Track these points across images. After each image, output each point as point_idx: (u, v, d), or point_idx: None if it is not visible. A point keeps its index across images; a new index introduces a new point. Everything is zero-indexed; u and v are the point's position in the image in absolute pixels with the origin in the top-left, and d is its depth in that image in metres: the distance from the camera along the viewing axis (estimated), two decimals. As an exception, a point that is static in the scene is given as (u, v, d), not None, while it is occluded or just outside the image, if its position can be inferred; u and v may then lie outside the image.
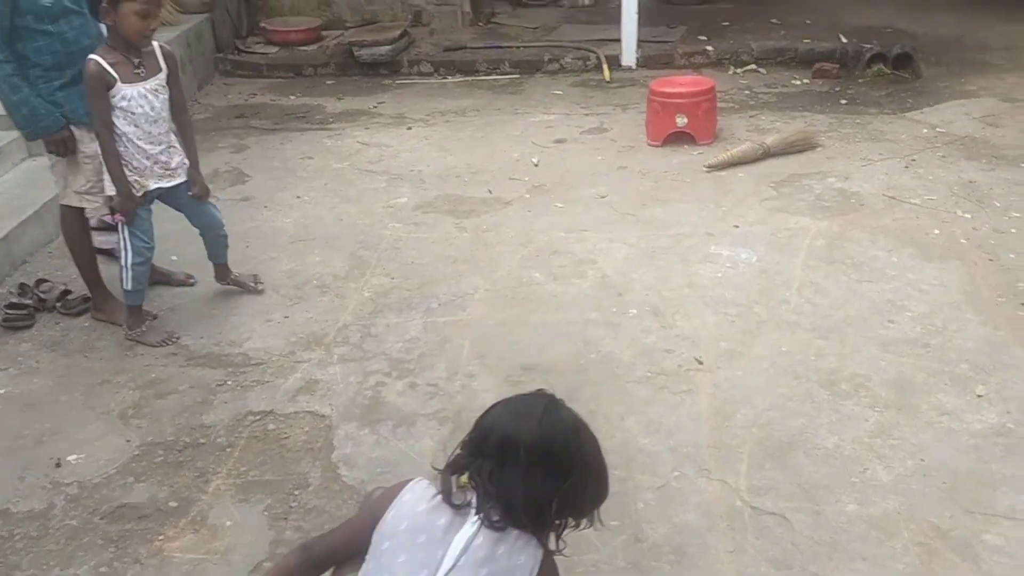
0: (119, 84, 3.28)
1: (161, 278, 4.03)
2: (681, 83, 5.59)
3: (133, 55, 3.30)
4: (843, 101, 6.33)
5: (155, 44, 3.40)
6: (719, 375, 3.25)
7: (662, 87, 5.54)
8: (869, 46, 7.06)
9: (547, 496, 1.62)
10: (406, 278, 4.08)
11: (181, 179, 3.58)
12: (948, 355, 3.26)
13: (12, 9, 3.30)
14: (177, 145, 3.55)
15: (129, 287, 3.56)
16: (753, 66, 7.25)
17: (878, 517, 2.55)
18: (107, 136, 3.33)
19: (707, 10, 8.64)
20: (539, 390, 1.79)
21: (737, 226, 4.39)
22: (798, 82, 6.85)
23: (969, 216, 4.27)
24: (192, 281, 4.08)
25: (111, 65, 3.27)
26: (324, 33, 8.20)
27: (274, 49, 8.01)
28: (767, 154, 5.17)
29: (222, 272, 3.96)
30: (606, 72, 7.24)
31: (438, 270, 4.13)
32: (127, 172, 3.42)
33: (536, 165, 5.36)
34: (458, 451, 1.74)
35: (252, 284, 4.00)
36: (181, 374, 3.41)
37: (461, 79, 7.41)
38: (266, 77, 7.70)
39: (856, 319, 3.53)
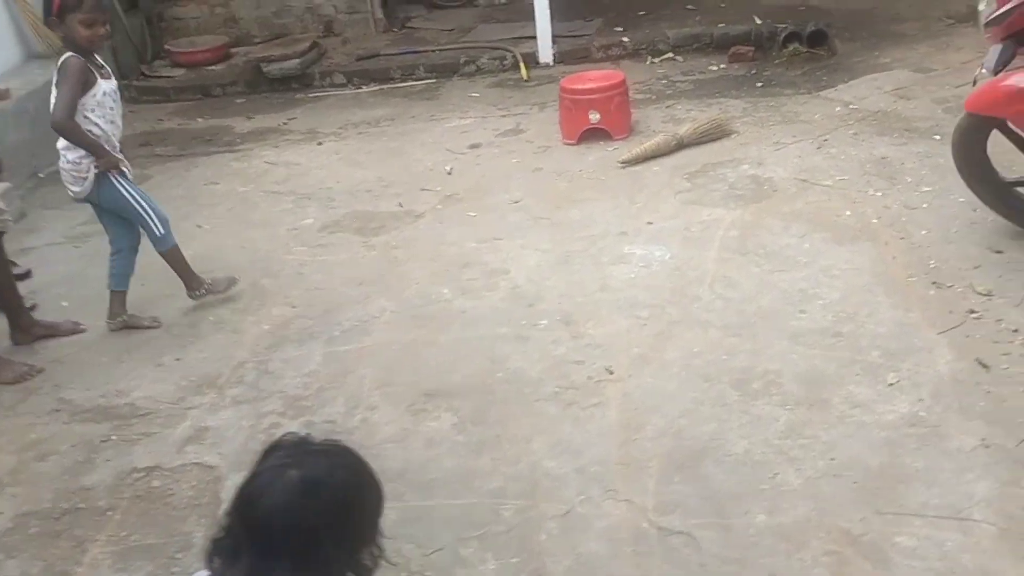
0: (99, 80, 3.45)
1: (46, 331, 3.81)
2: (591, 78, 5.47)
3: (94, 54, 3.48)
4: (759, 84, 6.27)
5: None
6: (630, 384, 3.12)
7: (572, 84, 5.41)
8: (783, 26, 7.00)
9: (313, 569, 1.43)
10: (309, 305, 3.90)
11: None
12: (859, 343, 3.17)
13: None
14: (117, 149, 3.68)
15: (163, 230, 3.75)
16: (670, 54, 7.17)
17: (788, 526, 2.44)
18: (66, 118, 3.41)
19: (623, 0, 8.55)
20: (287, 434, 1.59)
21: (651, 223, 4.28)
22: (715, 68, 6.77)
23: (880, 194, 4.20)
24: (81, 328, 3.86)
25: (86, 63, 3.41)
26: (232, 51, 7.96)
27: (181, 71, 7.75)
28: (681, 145, 5.07)
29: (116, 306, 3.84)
30: (524, 71, 7.10)
31: (343, 294, 3.96)
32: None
33: (450, 173, 5.21)
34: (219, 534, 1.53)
35: (148, 323, 3.86)
36: (64, 432, 3.20)
37: (376, 88, 7.23)
38: (174, 101, 7.45)
39: (768, 312, 3.43)
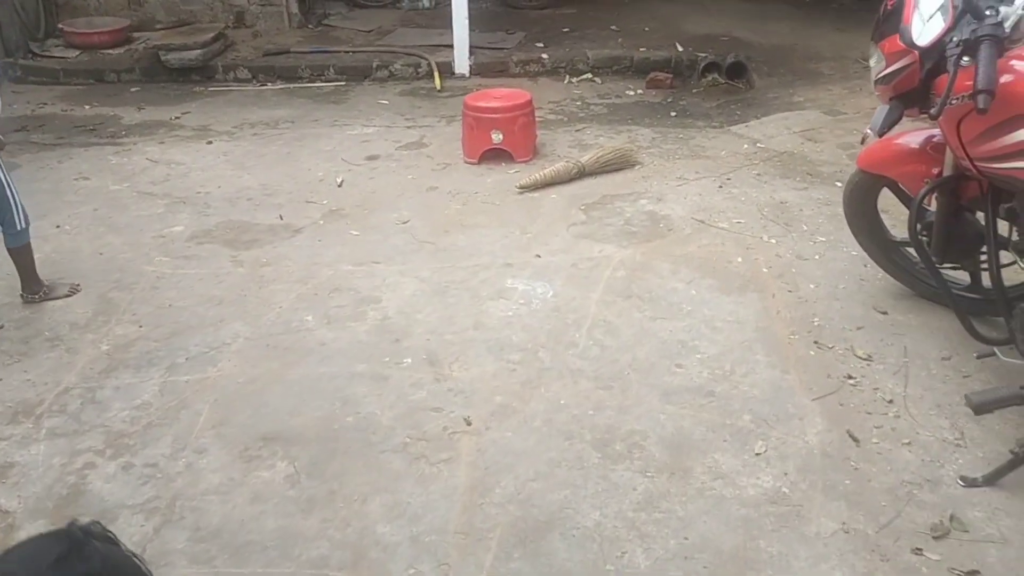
0: None
1: None
2: (497, 96, 5.24)
3: None
4: (673, 113, 6.15)
5: None
6: (486, 438, 2.89)
7: (476, 101, 5.18)
8: (704, 55, 6.93)
9: None
10: (157, 326, 3.57)
11: None
12: (732, 405, 3.00)
13: None
14: None
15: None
16: (589, 75, 7.02)
17: (627, 616, 2.24)
18: None
19: (550, 15, 8.39)
20: (69, 525, 1.32)
21: (539, 255, 4.06)
22: (632, 92, 6.65)
23: (775, 241, 4.08)
24: None
25: None
26: (134, 35, 7.52)
27: (75, 53, 7.27)
28: (583, 173, 4.88)
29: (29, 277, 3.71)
30: (437, 81, 6.86)
31: (196, 315, 3.64)
32: None
33: (340, 186, 4.92)
34: None
35: (66, 291, 3.77)
36: None
37: (282, 86, 6.90)
38: (63, 84, 6.98)
39: (643, 364, 3.24)
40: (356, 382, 3.18)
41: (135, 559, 1.34)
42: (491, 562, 2.40)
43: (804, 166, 4.94)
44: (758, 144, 5.31)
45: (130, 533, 2.51)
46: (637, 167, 5.04)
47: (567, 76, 7.03)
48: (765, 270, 3.84)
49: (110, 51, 7.29)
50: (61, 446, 2.88)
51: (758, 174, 4.86)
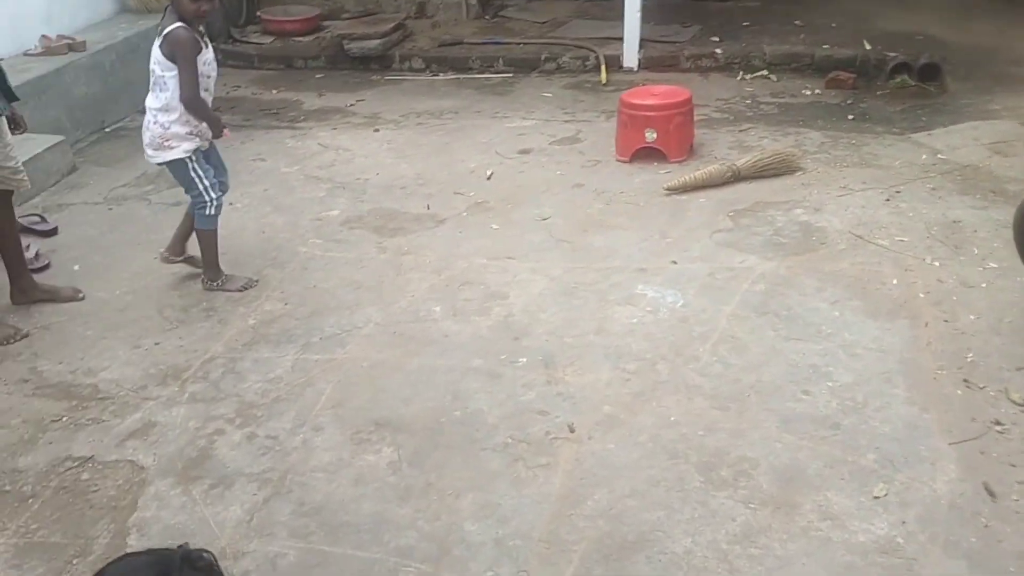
0: (203, 49, 3.57)
1: (46, 295, 3.83)
2: (654, 93, 5.12)
3: (197, 27, 3.56)
4: (850, 116, 5.76)
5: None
6: (587, 447, 2.85)
7: (632, 98, 5.09)
8: (894, 54, 6.43)
9: None
10: (300, 304, 3.78)
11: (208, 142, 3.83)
12: (857, 440, 2.79)
13: None
14: None
15: (212, 211, 3.79)
16: (764, 72, 6.71)
17: (700, 653, 2.14)
18: (197, 95, 3.56)
19: (731, 8, 8.08)
20: (178, 547, 1.41)
21: (675, 262, 3.95)
22: (808, 92, 6.29)
23: (938, 264, 3.74)
24: (80, 296, 3.87)
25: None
26: (324, 23, 7.95)
27: (269, 39, 7.79)
28: (737, 177, 4.68)
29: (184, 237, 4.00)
30: (603, 74, 6.79)
31: (336, 297, 3.82)
32: (190, 138, 3.66)
33: (489, 179, 4.99)
34: None
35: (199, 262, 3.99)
36: (22, 405, 3.19)
37: (452, 76, 7.07)
38: (256, 68, 7.50)
39: (767, 387, 3.07)
40: (470, 377, 3.23)
41: None
42: (570, 575, 2.37)
43: (988, 182, 4.48)
44: (939, 155, 4.87)
45: (242, 500, 2.69)
46: (798, 173, 4.77)
47: (740, 72, 6.75)
48: (922, 295, 3.53)
49: (301, 38, 7.75)
50: (198, 411, 3.12)
51: (933, 188, 4.46)
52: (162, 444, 2.97)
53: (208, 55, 3.62)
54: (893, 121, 5.62)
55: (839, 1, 7.89)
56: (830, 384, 3.07)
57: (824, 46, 6.83)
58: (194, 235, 3.91)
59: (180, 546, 1.43)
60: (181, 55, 3.49)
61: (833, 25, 7.34)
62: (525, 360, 3.31)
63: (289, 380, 3.27)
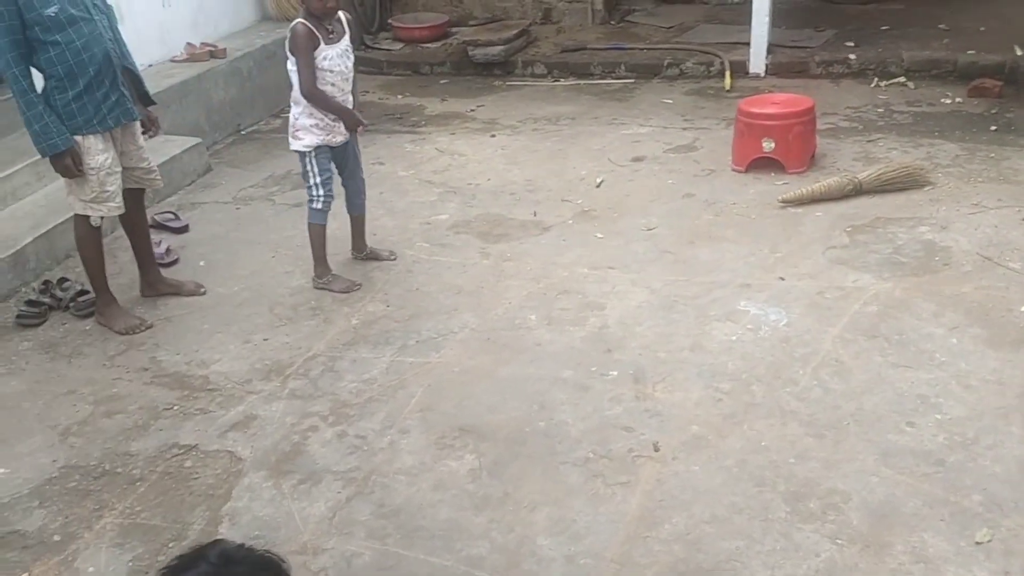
0: (322, 45, 3.70)
1: (170, 289, 4.08)
2: (774, 101, 4.95)
3: (325, 23, 3.71)
4: (992, 127, 5.38)
5: (340, 13, 3.80)
6: (670, 468, 2.78)
7: (751, 106, 4.93)
8: (1049, 59, 5.96)
9: None
10: (401, 307, 3.88)
11: (347, 138, 3.98)
12: (962, 480, 2.59)
13: (22, 24, 3.39)
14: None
15: (319, 206, 3.98)
16: (901, 79, 6.37)
17: None
18: (314, 86, 3.72)
19: (871, 11, 7.71)
20: (219, 542, 1.45)
21: (783, 278, 3.80)
22: (948, 100, 5.92)
23: (1076, 293, 3.43)
24: (202, 291, 4.11)
25: (313, 28, 3.66)
26: (451, 30, 8.11)
27: (399, 45, 8.02)
28: (858, 191, 4.46)
29: (358, 235, 4.28)
30: (727, 80, 6.63)
31: (436, 301, 3.90)
32: (315, 131, 3.83)
33: (598, 186, 4.96)
34: None
35: (387, 255, 4.28)
36: (139, 392, 3.42)
37: (573, 82, 7.08)
38: (385, 74, 7.73)
39: (868, 416, 2.91)
40: (558, 388, 3.22)
41: None
42: (638, 599, 2.32)
43: None
44: (1090, 171, 4.47)
45: (327, 498, 2.79)
46: (927, 188, 4.49)
47: (875, 79, 6.43)
48: (1053, 325, 3.25)
49: (428, 45, 7.94)
50: (296, 407, 3.26)
51: (1079, 208, 4.10)
52: (260, 437, 3.11)
53: (330, 51, 3.73)
54: (1042, 133, 5.21)
55: (991, 4, 7.38)
56: (938, 417, 2.87)
57: (969, 51, 6.42)
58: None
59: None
60: (295, 48, 3.69)
61: (981, 29, 6.87)
62: (616, 374, 3.27)
63: (383, 381, 3.36)
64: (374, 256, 4.30)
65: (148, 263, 4.07)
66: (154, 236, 4.38)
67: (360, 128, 4.01)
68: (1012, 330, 3.26)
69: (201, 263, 4.43)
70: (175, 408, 3.31)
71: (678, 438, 2.90)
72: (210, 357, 3.61)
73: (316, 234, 4.07)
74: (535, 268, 4.11)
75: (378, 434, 3.07)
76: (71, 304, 4.00)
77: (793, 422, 2.93)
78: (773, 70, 6.71)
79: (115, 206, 3.69)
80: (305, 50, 3.67)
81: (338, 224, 4.30)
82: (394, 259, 4.28)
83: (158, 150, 4.78)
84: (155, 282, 4.08)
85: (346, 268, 4.23)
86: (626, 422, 3.01)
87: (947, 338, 3.26)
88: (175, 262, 4.43)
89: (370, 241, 4.45)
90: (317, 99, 3.76)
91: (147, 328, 3.84)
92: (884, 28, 7.21)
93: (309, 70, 3.70)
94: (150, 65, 6.05)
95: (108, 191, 3.65)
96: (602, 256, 4.16)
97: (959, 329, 3.30)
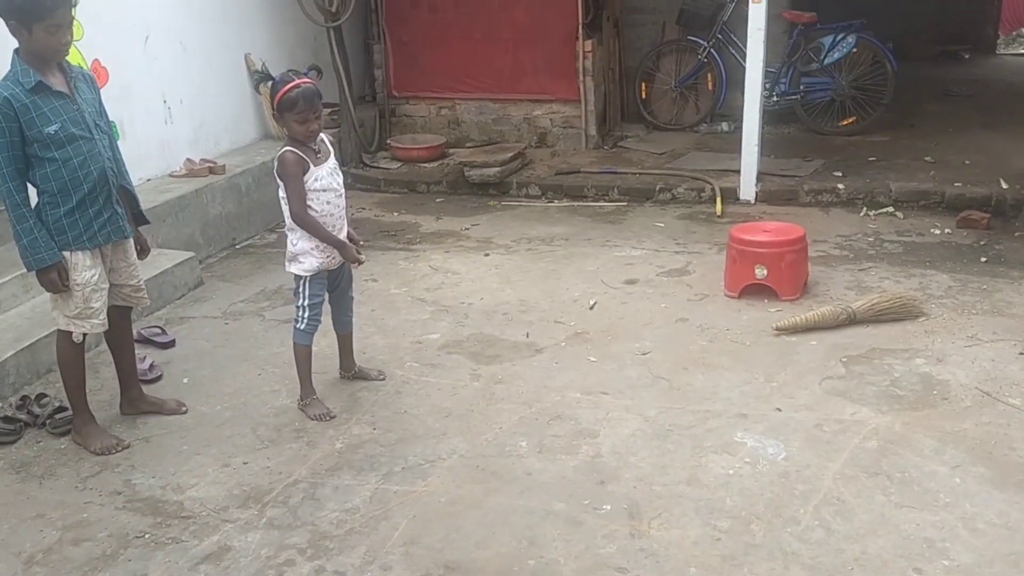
0: (312, 167, 3.72)
1: (151, 407, 3.97)
2: (766, 229, 5.00)
3: (311, 145, 3.75)
4: (983, 259, 5.43)
5: (322, 136, 3.81)
6: (667, 614, 2.63)
7: (743, 233, 4.97)
8: (1033, 193, 6.09)
9: None
10: (388, 430, 3.77)
11: (341, 262, 3.98)
12: (977, 636, 2.45)
13: (22, 139, 3.41)
14: (345, 230, 3.92)
15: (303, 327, 3.92)
16: (890, 209, 6.48)
17: None
18: (303, 212, 3.73)
19: (857, 142, 7.93)
20: None
21: (780, 409, 3.72)
22: (937, 231, 6.00)
23: (1080, 431, 3.36)
24: (183, 410, 4.00)
25: (301, 153, 3.70)
26: (449, 151, 8.29)
27: (397, 164, 8.17)
28: (852, 320, 4.44)
29: (346, 353, 4.22)
30: (718, 206, 6.72)
31: (425, 425, 3.79)
32: (317, 255, 3.83)
33: (591, 308, 4.94)
34: None
35: (375, 375, 4.21)
36: (110, 518, 3.26)
37: (567, 204, 7.18)
38: (382, 192, 7.84)
39: (874, 560, 2.78)
40: (549, 522, 3.08)
41: None
42: None
43: None
44: (1084, 305, 4.48)
45: (300, 640, 2.61)
46: (921, 319, 4.47)
47: (864, 208, 6.54)
48: (1059, 466, 3.16)
49: (426, 164, 8.09)
50: (273, 538, 3.10)
51: (1075, 342, 4.08)
52: (233, 571, 2.94)
53: (320, 171, 3.73)
54: (1032, 265, 5.25)
55: (975, 138, 7.63)
56: (946, 563, 2.74)
57: (956, 184, 6.56)
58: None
59: None
60: (284, 174, 3.71)
61: (966, 162, 7.06)
62: (609, 507, 3.14)
63: (366, 511, 3.22)
64: (362, 376, 4.22)
65: (131, 381, 3.98)
66: (139, 351, 4.30)
67: (356, 264, 3.98)
68: (1016, 470, 3.16)
69: (185, 380, 4.33)
70: (146, 536, 3.14)
71: (674, 581, 2.76)
72: (186, 481, 3.47)
73: (301, 354, 4.00)
74: (527, 391, 4.02)
75: (358, 570, 2.91)
76: (47, 421, 3.88)
77: (795, 565, 2.79)
78: (763, 197, 6.83)
79: (98, 323, 3.63)
80: (294, 176, 3.69)
81: (328, 341, 4.24)
82: (383, 379, 4.20)
83: (150, 263, 4.75)
84: (136, 400, 3.98)
85: (334, 387, 4.14)
86: (620, 562, 2.86)
87: (951, 477, 3.16)
88: (159, 378, 4.34)
89: (360, 360, 4.37)
90: (307, 224, 3.75)
91: (124, 448, 3.71)
92: (871, 159, 7.40)
93: (298, 196, 3.71)
94: (149, 180, 6.13)
95: (93, 308, 3.60)
96: (595, 380, 4.09)
97: (962, 468, 3.21)
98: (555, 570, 2.84)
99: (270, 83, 3.79)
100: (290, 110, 3.62)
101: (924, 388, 3.80)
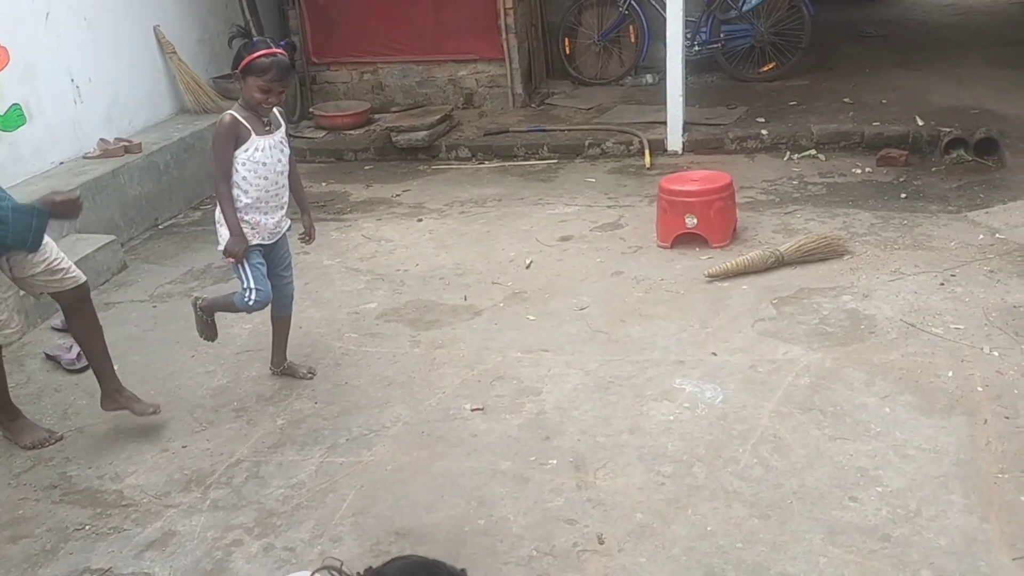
0: (254, 136, 3.53)
1: (127, 403, 3.64)
2: (693, 179, 5.05)
3: (261, 115, 3.56)
4: (902, 195, 5.58)
5: (276, 109, 3.63)
6: (617, 561, 2.68)
7: (672, 184, 5.01)
8: (948, 130, 6.26)
9: None
10: (329, 403, 3.73)
11: (279, 238, 3.85)
12: (910, 554, 2.56)
13: None
14: (284, 207, 3.78)
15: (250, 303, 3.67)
16: (812, 152, 6.59)
17: None
18: (221, 180, 3.54)
19: (778, 88, 8.03)
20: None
21: (715, 354, 3.80)
22: (859, 171, 6.13)
23: (997, 354, 3.51)
24: (150, 411, 3.66)
25: (244, 119, 3.50)
26: (374, 117, 8.14)
27: (322, 133, 8.00)
28: (780, 262, 4.53)
29: (279, 344, 4.02)
30: (647, 158, 6.76)
31: (367, 395, 3.76)
32: (245, 228, 3.60)
33: (528, 267, 4.94)
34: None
35: (304, 372, 3.99)
36: (47, 512, 3.17)
37: (497, 164, 7.13)
38: (308, 162, 7.65)
39: (812, 492, 2.87)
40: (497, 481, 3.10)
41: None
42: None
43: (1052, 262, 4.25)
44: (997, 234, 4.66)
45: (253, 618, 2.59)
46: (846, 257, 4.59)
47: (788, 153, 6.64)
48: (980, 389, 3.30)
49: (351, 132, 7.94)
50: (218, 519, 3.06)
51: (991, 271, 4.24)
52: (179, 556, 2.90)
53: (262, 142, 3.52)
54: (948, 199, 5.42)
55: (891, 78, 7.79)
56: (879, 489, 2.85)
57: (874, 123, 6.70)
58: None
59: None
60: (214, 135, 3.54)
61: (883, 101, 7.21)
62: (555, 462, 3.18)
63: (311, 485, 3.19)
64: (291, 372, 3.98)
65: (104, 372, 3.65)
66: (65, 340, 4.15)
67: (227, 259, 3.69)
68: (942, 396, 3.29)
69: (116, 367, 4.20)
70: (87, 528, 3.07)
71: (623, 528, 2.81)
72: (125, 469, 3.39)
73: (231, 308, 3.80)
74: (468, 354, 4.02)
75: (308, 544, 2.90)
76: (-28, 420, 3.72)
77: (737, 503, 2.87)
78: (690, 147, 6.88)
79: (11, 332, 3.46)
80: (224, 140, 3.47)
81: (267, 317, 4.13)
82: (311, 377, 3.94)
83: (70, 249, 4.56)
84: (114, 393, 3.65)
85: (262, 381, 3.99)
86: (569, 514, 2.90)
87: (880, 407, 3.28)
88: (87, 367, 4.20)
89: (297, 335, 4.30)
90: (220, 194, 3.53)
91: (56, 441, 3.60)
92: (792, 103, 7.51)
93: (221, 160, 3.49)
94: (62, 163, 5.89)
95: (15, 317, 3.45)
96: (535, 339, 4.11)
97: (891, 398, 3.33)
98: (505, 527, 2.87)
99: (245, 41, 3.50)
100: (258, 75, 3.37)
101: (852, 324, 3.91)
